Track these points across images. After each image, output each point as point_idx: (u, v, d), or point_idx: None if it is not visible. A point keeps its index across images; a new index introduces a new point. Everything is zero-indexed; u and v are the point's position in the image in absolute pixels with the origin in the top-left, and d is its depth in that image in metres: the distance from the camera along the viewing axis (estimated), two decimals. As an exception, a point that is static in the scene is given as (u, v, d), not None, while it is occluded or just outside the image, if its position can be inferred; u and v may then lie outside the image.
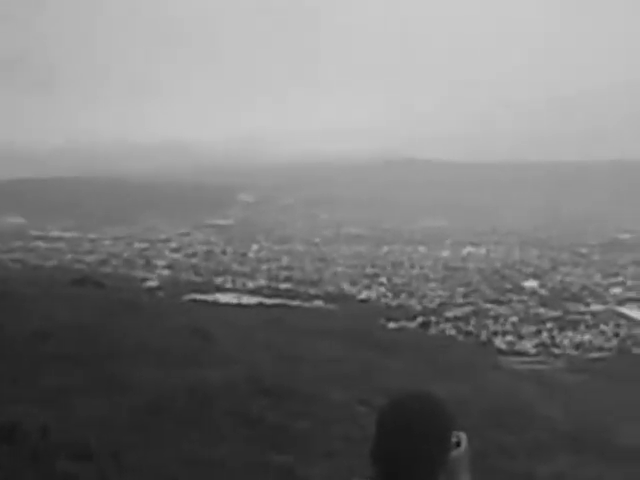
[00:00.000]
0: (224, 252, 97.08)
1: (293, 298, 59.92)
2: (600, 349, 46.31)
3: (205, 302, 48.05)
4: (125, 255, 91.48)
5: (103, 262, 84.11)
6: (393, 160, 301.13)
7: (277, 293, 63.63)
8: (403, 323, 51.06)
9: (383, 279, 76.08)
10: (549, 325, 51.99)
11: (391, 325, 49.45)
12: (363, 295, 67.58)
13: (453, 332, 50.26)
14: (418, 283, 73.56)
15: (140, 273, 75.88)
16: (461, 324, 52.51)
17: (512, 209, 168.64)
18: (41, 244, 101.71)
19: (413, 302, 63.19)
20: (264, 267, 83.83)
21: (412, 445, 2.42)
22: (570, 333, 50.05)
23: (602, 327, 51.77)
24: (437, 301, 63.22)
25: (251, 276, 76.58)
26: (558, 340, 48.57)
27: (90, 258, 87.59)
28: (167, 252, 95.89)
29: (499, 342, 47.82)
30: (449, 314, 56.04)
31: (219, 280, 72.68)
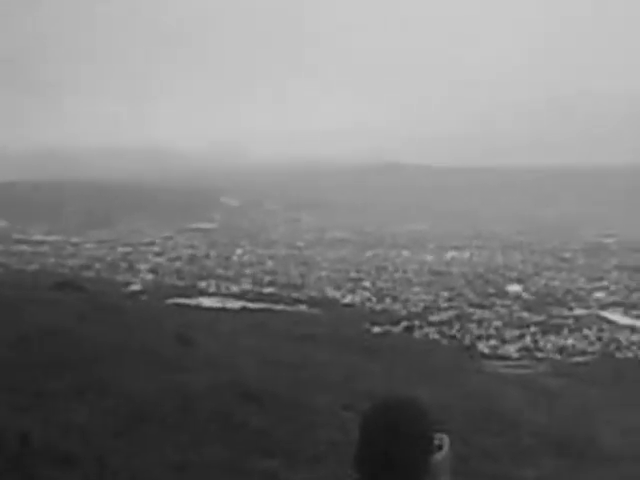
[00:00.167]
0: (208, 256, 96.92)
1: (277, 302, 59.82)
2: (583, 353, 46.52)
3: (188, 306, 47.91)
4: (108, 259, 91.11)
5: (86, 266, 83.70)
6: (377, 164, 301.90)
7: (261, 297, 63.51)
8: (387, 327, 51.07)
9: (367, 283, 76.16)
10: (532, 329, 52.19)
11: (375, 329, 49.45)
12: (347, 299, 67.60)
13: (437, 336, 50.34)
14: (402, 287, 73.68)
15: (123, 277, 75.59)
16: (445, 328, 52.62)
17: (496, 214, 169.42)
18: (24, 248, 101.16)
19: (397, 306, 63.29)
20: (248, 271, 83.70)
21: (396, 449, 2.42)
22: (553, 337, 50.27)
23: (585, 331, 52.03)
24: (421, 305, 63.34)
25: (235, 280, 76.44)
26: (541, 344, 48.77)
27: (73, 262, 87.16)
28: (150, 256, 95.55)
29: (483, 346, 47.93)
30: (433, 318, 56.15)
31: (203, 284, 72.52)
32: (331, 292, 71.28)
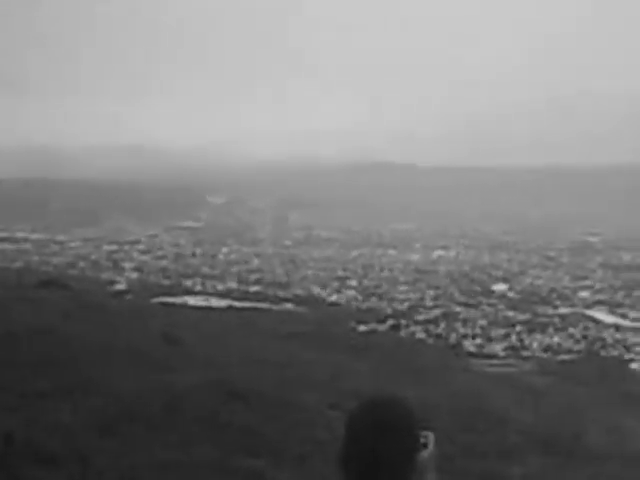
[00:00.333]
0: (193, 254, 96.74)
1: (263, 301, 59.71)
2: (569, 352, 46.71)
3: (174, 305, 47.75)
4: (93, 257, 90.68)
5: (70, 264, 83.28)
6: (364, 163, 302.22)
7: (247, 296, 63.40)
8: (373, 326, 51.09)
9: (353, 282, 76.21)
10: (518, 328, 52.35)
11: (361, 328, 49.46)
12: (333, 298, 67.59)
13: (423, 335, 50.40)
14: (388, 286, 73.76)
15: (108, 276, 75.22)
16: (431, 327, 52.69)
17: (482, 213, 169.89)
18: (7, 246, 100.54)
19: (383, 305, 63.29)
20: (234, 270, 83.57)
21: (382, 447, 2.40)
22: (539, 336, 50.43)
23: (570, 330, 52.24)
24: (407, 304, 63.39)
25: (221, 279, 76.29)
26: (527, 343, 48.92)
27: (57, 260, 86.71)
28: (136, 254, 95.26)
29: (468, 345, 48.03)
30: (419, 317, 56.23)
31: (188, 283, 72.32)
32: (317, 291, 71.28)
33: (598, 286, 74.85)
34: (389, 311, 59.65)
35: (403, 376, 20.34)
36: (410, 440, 2.47)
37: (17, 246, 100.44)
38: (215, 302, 55.99)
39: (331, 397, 12.64)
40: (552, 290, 72.26)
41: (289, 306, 58.50)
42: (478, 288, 72.93)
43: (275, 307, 56.43)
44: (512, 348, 47.55)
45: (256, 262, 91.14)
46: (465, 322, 54.62)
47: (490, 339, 49.70)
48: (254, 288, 71.11)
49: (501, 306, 62.75)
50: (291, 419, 10.94)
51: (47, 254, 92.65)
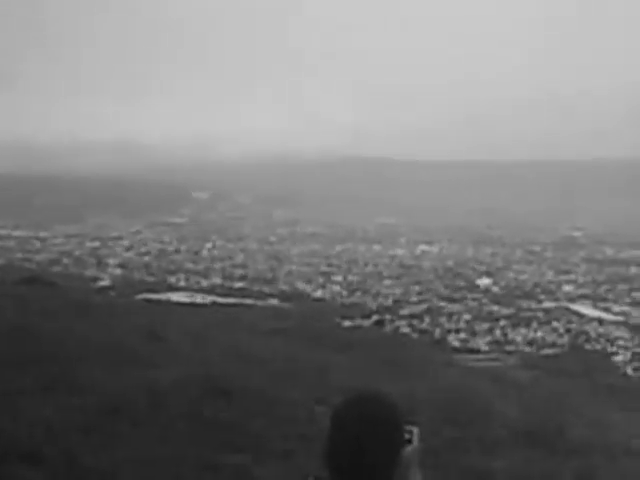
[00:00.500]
0: (177, 250, 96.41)
1: (247, 297, 59.62)
2: (552, 345, 46.90)
3: (158, 301, 47.58)
4: (76, 254, 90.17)
5: (54, 261, 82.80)
6: (348, 158, 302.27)
7: (231, 292, 63.25)
8: (358, 321, 51.12)
9: (338, 277, 76.23)
10: (502, 322, 52.52)
11: (346, 323, 49.48)
12: (318, 293, 67.60)
13: (407, 330, 50.47)
14: (373, 281, 73.85)
15: (92, 272, 74.86)
16: (415, 322, 52.76)
17: (466, 208, 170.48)
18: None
19: (368, 300, 63.35)
20: (218, 266, 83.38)
21: (366, 443, 2.41)
22: (523, 330, 50.62)
23: (554, 324, 52.46)
24: (391, 299, 63.45)
25: (205, 275, 76.08)
26: (511, 337, 49.09)
27: (40, 257, 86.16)
28: (119, 251, 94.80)
29: (453, 339, 48.14)
30: (403, 312, 56.29)
31: (172, 279, 72.07)
32: (302, 286, 71.25)
33: (582, 280, 75.25)
34: (374, 306, 59.72)
35: (388, 371, 20.36)
36: (395, 435, 2.49)
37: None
38: (199, 298, 55.80)
39: (316, 392, 12.62)
40: (536, 284, 72.57)
41: (274, 302, 58.42)
42: (462, 283, 73.12)
43: (259, 303, 56.33)
44: (496, 342, 47.69)
45: (240, 258, 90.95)
46: (449, 317, 54.73)
47: (474, 333, 49.82)
48: (238, 284, 70.94)
49: (485, 301, 62.90)
50: (276, 414, 10.93)
51: (30, 251, 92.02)
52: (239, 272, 78.75)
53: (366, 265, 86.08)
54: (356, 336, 38.36)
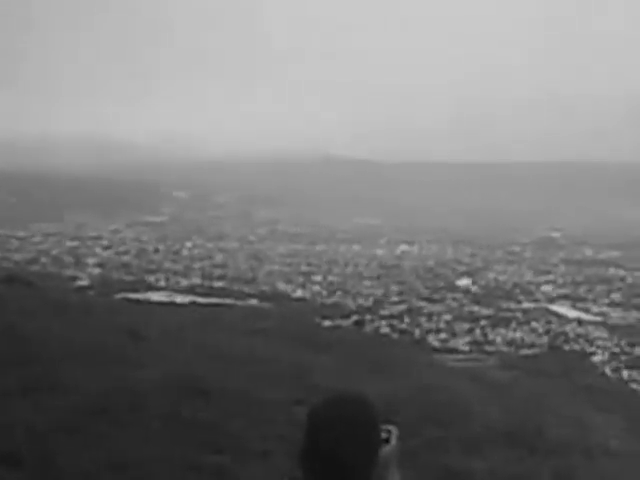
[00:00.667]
0: (157, 250, 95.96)
1: (227, 296, 59.54)
2: (531, 346, 47.22)
3: (137, 301, 47.37)
4: (54, 253, 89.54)
5: (32, 260, 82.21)
6: (328, 158, 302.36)
7: (211, 291, 63.16)
8: (338, 321, 51.17)
9: (318, 277, 76.27)
10: (482, 323, 52.84)
11: (326, 323, 49.51)
12: (298, 293, 67.59)
13: (387, 330, 50.61)
14: (353, 281, 73.99)
15: (70, 271, 74.43)
16: (395, 322, 52.96)
17: (446, 208, 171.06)
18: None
19: (348, 300, 63.42)
20: (198, 265, 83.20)
21: (342, 444, 2.40)
22: (502, 330, 50.96)
23: (533, 324, 52.85)
24: (372, 299, 63.58)
25: (184, 274, 75.90)
26: (491, 337, 49.40)
27: (18, 256, 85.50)
28: (98, 250, 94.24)
29: (433, 340, 48.35)
30: (383, 312, 56.44)
31: (152, 278, 71.83)
32: (282, 286, 71.21)
33: (561, 281, 75.78)
34: (354, 306, 59.80)
35: (367, 371, 20.33)
36: (371, 435, 2.47)
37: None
38: (179, 298, 55.70)
39: (296, 393, 12.58)
40: (515, 285, 73.03)
41: (253, 301, 58.42)
42: (442, 283, 73.42)
43: (239, 302, 56.30)
44: (476, 343, 47.97)
45: (220, 257, 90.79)
46: (429, 317, 54.96)
47: (454, 334, 50.08)
48: (218, 284, 70.87)
49: (465, 301, 63.27)
50: (255, 415, 10.88)
51: (8, 250, 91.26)
52: (219, 272, 78.63)
53: (346, 265, 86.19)
54: (336, 336, 38.27)
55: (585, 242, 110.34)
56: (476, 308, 59.36)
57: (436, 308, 58.75)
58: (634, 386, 37.43)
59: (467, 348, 45.97)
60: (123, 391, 10.69)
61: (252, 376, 14.35)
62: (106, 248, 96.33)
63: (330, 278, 76.01)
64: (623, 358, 43.79)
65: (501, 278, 77.40)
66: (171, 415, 10.03)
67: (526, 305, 61.79)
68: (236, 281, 72.66)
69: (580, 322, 54.27)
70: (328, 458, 2.41)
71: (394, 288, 69.61)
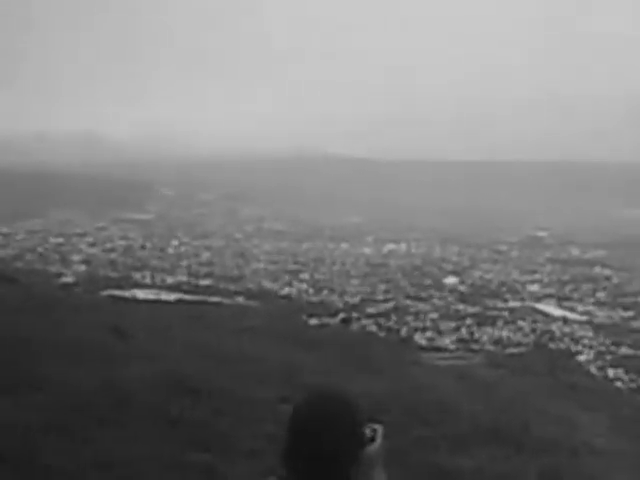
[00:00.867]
0: (143, 247, 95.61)
1: (214, 294, 59.38)
2: (518, 345, 47.35)
3: (123, 298, 47.22)
4: (40, 250, 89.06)
5: (17, 257, 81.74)
6: (315, 156, 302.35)
7: (197, 289, 62.99)
8: (324, 319, 51.15)
9: (305, 275, 76.21)
10: (468, 321, 52.94)
11: (312, 321, 49.49)
12: (284, 291, 67.51)
13: (374, 328, 50.61)
14: (340, 279, 73.96)
15: (55, 268, 74.06)
16: (382, 320, 52.96)
17: (433, 206, 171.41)
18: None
19: (334, 298, 63.41)
20: (184, 263, 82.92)
21: (325, 442, 2.39)
22: (489, 329, 51.08)
23: (520, 323, 53.01)
24: (358, 297, 63.58)
25: (171, 272, 75.65)
26: (477, 336, 49.50)
27: (2, 253, 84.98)
28: (84, 247, 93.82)
29: (419, 338, 48.40)
30: (370, 310, 56.45)
31: (138, 276, 71.56)
32: (268, 284, 71.12)
33: (547, 280, 76.05)
34: (340, 304, 59.81)
35: (354, 369, 20.33)
36: (353, 433, 2.46)
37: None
38: (165, 295, 55.51)
39: (282, 391, 12.55)
40: (502, 284, 73.20)
41: (240, 299, 58.28)
42: (429, 281, 73.51)
43: (226, 300, 56.14)
44: (462, 341, 48.05)
45: (206, 255, 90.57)
46: (416, 315, 55.02)
47: (441, 332, 50.16)
48: (204, 281, 70.67)
49: (452, 299, 63.37)
50: (242, 413, 10.85)
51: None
52: (205, 269, 78.45)
53: (333, 263, 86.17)
54: (323, 334, 38.31)
55: (571, 241, 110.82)
56: (462, 307, 59.47)
57: (423, 306, 58.83)
58: (619, 385, 37.61)
59: (453, 346, 46.01)
60: (109, 389, 10.64)
61: (240, 374, 14.32)
62: (92, 245, 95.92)
63: (317, 276, 75.96)
64: (608, 357, 44.00)
65: (488, 277, 77.56)
66: (158, 414, 9.98)
67: (512, 304, 61.95)
68: (222, 279, 72.47)
69: (566, 321, 54.46)
70: (310, 456, 2.40)
71: (381, 286, 69.65)
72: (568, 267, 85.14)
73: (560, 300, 64.63)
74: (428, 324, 52.35)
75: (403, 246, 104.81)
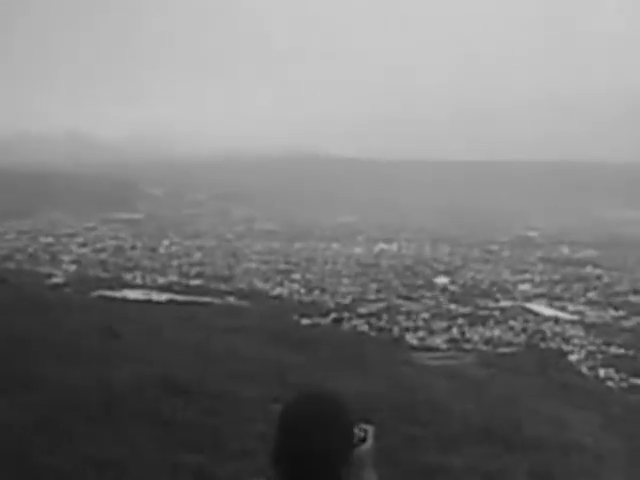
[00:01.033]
0: (133, 247, 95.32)
1: (204, 294, 59.21)
2: (509, 344, 47.39)
3: (114, 299, 47.03)
4: (29, 250, 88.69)
5: (6, 257, 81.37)
6: (312, 156, 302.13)
7: (188, 289, 62.81)
8: (316, 319, 51.10)
9: (296, 275, 76.13)
10: (460, 321, 52.97)
11: (304, 321, 49.42)
12: (276, 291, 67.42)
13: (365, 328, 50.58)
14: (331, 279, 73.90)
15: (45, 269, 73.75)
16: (373, 320, 52.93)
17: (424, 206, 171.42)
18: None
19: (326, 298, 63.36)
20: (175, 263, 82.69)
21: (314, 445, 2.39)
22: (480, 329, 51.12)
23: (511, 323, 53.07)
24: (350, 297, 63.56)
25: (161, 272, 75.43)
26: (468, 335, 49.53)
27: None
28: (74, 247, 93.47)
29: (411, 338, 48.39)
30: (362, 310, 56.42)
31: (128, 276, 71.33)
32: (260, 284, 71.01)
33: (538, 279, 76.20)
34: (332, 304, 59.76)
35: (346, 369, 20.33)
36: (345, 434, 2.46)
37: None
38: (156, 296, 55.30)
39: (274, 391, 12.54)
40: (493, 283, 73.28)
41: (231, 300, 58.14)
42: (420, 281, 73.55)
43: (217, 301, 55.98)
44: (454, 341, 48.05)
45: (197, 255, 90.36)
46: (407, 315, 55.03)
47: (432, 332, 50.16)
48: (195, 281, 70.49)
49: (443, 299, 63.40)
50: (233, 414, 10.84)
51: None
52: (196, 270, 78.24)
53: (325, 263, 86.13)
54: (314, 334, 38.27)
55: (562, 241, 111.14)
56: (454, 306, 59.51)
57: (414, 306, 58.83)
58: (610, 384, 37.70)
59: (445, 346, 45.99)
60: (101, 389, 10.61)
61: (231, 374, 14.31)
62: (82, 245, 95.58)
63: (308, 276, 75.88)
64: (599, 356, 44.10)
65: (479, 277, 77.62)
66: (149, 414, 9.96)
67: (503, 303, 62.02)
68: (213, 279, 72.29)
69: (557, 320, 54.55)
70: (300, 456, 2.39)
71: (372, 286, 69.65)
72: (559, 267, 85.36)
73: (551, 300, 64.76)
74: (419, 324, 52.36)
75: (395, 246, 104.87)
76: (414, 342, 47.08)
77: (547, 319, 55.34)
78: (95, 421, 9.28)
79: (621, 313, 58.47)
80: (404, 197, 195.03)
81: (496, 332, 50.39)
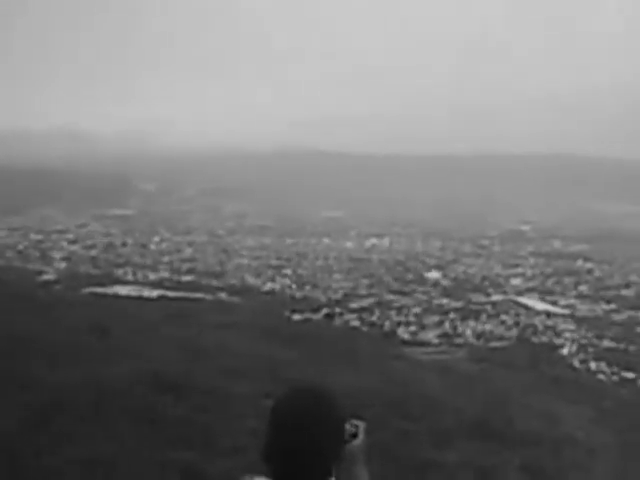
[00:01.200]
0: (124, 244, 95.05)
1: (196, 290, 59.12)
2: (501, 338, 47.46)
3: (105, 295, 46.93)
4: (20, 247, 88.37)
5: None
6: (297, 151, 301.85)
7: (179, 285, 62.70)
8: (308, 315, 51.09)
9: (287, 271, 76.09)
10: (451, 315, 53.00)
11: (296, 317, 49.41)
12: (267, 287, 67.36)
13: (357, 323, 50.60)
14: (322, 274, 73.89)
15: (36, 266, 73.47)
16: (365, 315, 52.93)
17: (415, 201, 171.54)
18: None
19: (318, 294, 63.34)
20: (166, 259, 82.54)
21: (305, 441, 2.38)
22: (472, 323, 51.17)
23: (502, 317, 53.15)
24: (341, 292, 63.56)
25: (152, 268, 75.23)
26: (460, 330, 49.55)
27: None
28: (64, 244, 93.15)
29: (402, 332, 48.41)
30: (353, 305, 56.43)
31: (119, 272, 71.12)
32: (251, 280, 70.95)
33: (529, 274, 76.34)
34: (323, 300, 59.74)
35: (338, 364, 20.32)
36: (336, 429, 2.45)
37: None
38: (147, 292, 55.21)
39: (265, 387, 12.50)
40: (485, 278, 73.37)
41: (222, 295, 58.05)
42: (412, 276, 73.58)
43: (208, 297, 55.89)
44: (445, 335, 48.08)
45: (189, 251, 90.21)
46: (399, 310, 55.03)
47: (424, 327, 50.18)
48: (187, 277, 70.36)
49: (434, 294, 63.42)
50: (225, 410, 10.79)
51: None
52: (187, 265, 78.10)
53: (316, 258, 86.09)
54: (306, 330, 38.30)
55: (555, 235, 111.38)
56: (445, 301, 59.53)
57: (406, 301, 58.84)
58: (602, 377, 37.77)
59: (437, 341, 46.04)
60: (91, 387, 10.53)
61: (222, 370, 14.25)
62: (72, 242, 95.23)
63: (299, 271, 75.83)
64: (591, 350, 44.16)
65: (470, 271, 77.72)
66: (139, 410, 9.89)
67: (495, 298, 62.08)
68: (205, 275, 72.18)
69: (548, 314, 54.63)
70: (290, 452, 2.38)
71: (364, 281, 69.67)
72: (551, 261, 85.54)
73: (543, 294, 64.87)
74: (411, 319, 52.36)
75: (386, 241, 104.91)
76: (406, 337, 47.12)
77: (539, 313, 55.43)
78: (85, 418, 9.21)
79: (612, 307, 58.62)
80: (395, 191, 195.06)
81: (488, 326, 50.45)
